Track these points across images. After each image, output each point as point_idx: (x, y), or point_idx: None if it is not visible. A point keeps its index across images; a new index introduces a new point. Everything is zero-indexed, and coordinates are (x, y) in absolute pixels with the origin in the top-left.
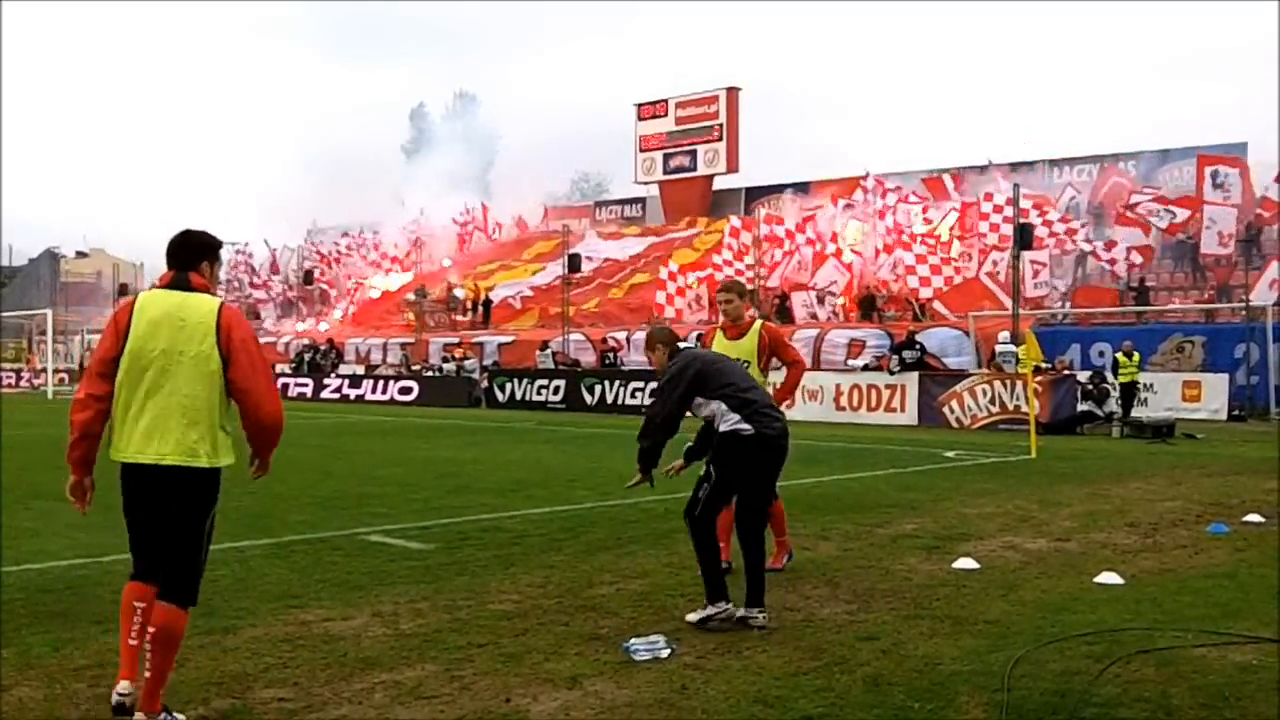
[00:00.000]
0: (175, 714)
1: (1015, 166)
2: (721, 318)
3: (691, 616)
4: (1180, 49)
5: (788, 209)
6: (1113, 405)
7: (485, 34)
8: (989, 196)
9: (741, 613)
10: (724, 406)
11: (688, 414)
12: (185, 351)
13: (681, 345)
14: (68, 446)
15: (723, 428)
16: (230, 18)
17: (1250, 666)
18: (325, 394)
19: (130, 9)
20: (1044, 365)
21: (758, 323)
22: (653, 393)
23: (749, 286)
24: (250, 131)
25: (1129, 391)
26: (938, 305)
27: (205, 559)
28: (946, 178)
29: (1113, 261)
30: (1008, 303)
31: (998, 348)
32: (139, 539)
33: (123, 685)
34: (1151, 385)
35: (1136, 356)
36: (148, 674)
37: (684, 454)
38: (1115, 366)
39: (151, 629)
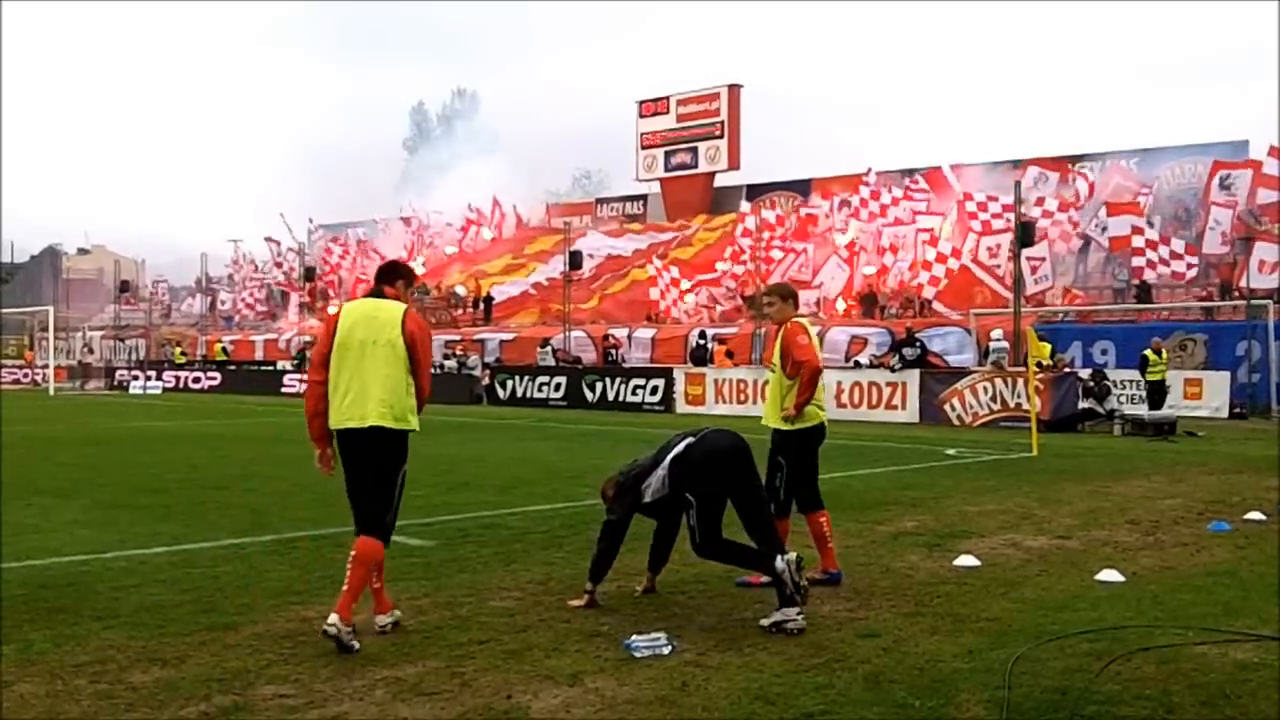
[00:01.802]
0: (391, 615)
1: (1017, 164)
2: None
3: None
4: (1180, 50)
5: (788, 206)
6: (1114, 402)
7: (486, 32)
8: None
9: (775, 617)
10: (666, 453)
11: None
12: (378, 340)
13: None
14: (308, 427)
15: (669, 459)
16: (231, 16)
17: (1251, 664)
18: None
19: (131, 8)
20: (1046, 363)
21: (788, 323)
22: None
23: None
24: (252, 130)
25: (1158, 391)
26: (937, 305)
27: (398, 505)
28: (949, 175)
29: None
30: (1005, 294)
31: (991, 345)
32: (356, 493)
33: (379, 618)
34: None
35: (1166, 355)
36: (345, 587)
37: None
38: (1144, 364)
39: (353, 552)
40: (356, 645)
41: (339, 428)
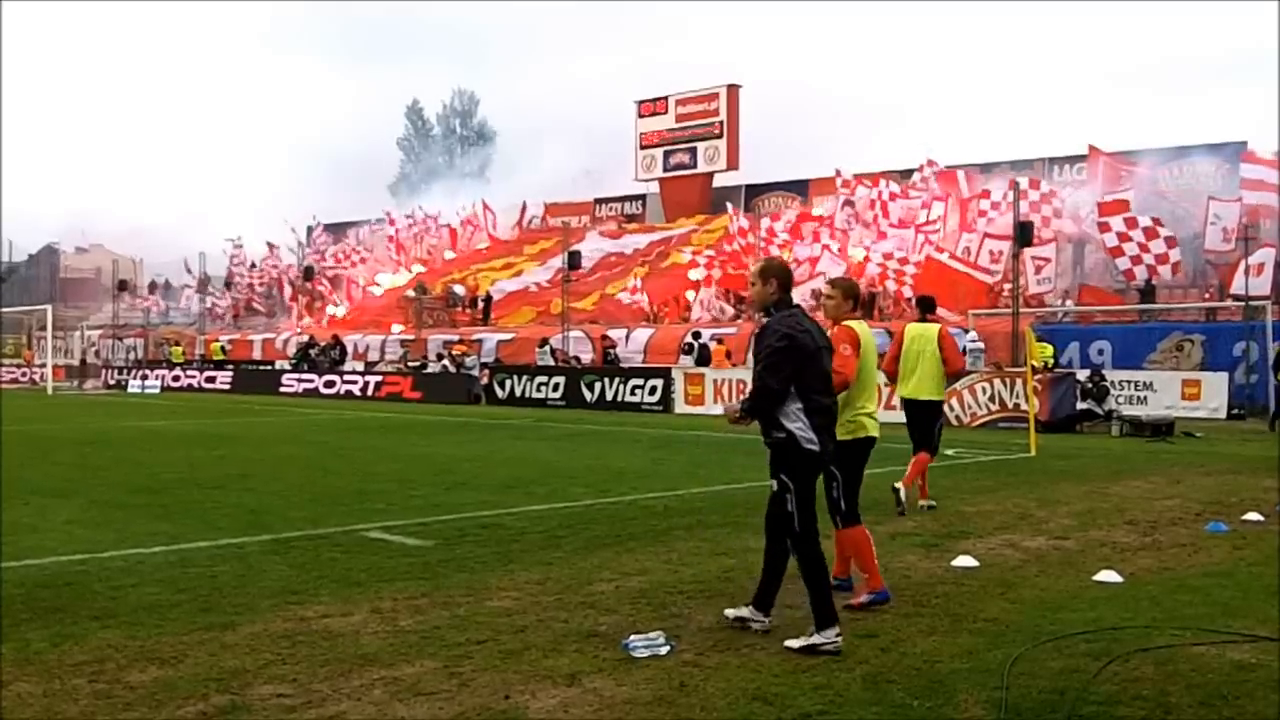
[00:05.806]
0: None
1: (1015, 164)
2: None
3: (792, 643)
4: (1181, 50)
5: (787, 206)
6: (1112, 403)
7: (487, 32)
8: (986, 194)
9: (812, 639)
10: (801, 405)
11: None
12: (925, 350)
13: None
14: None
15: (790, 426)
16: (231, 18)
17: (1248, 665)
18: (325, 390)
19: (131, 8)
20: (1037, 364)
21: (839, 325)
22: (756, 356)
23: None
24: (250, 128)
25: None
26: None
27: (938, 438)
28: (948, 175)
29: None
30: (981, 280)
31: (967, 344)
32: (913, 432)
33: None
34: (1151, 384)
35: None
36: (907, 474)
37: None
38: (1279, 362)
39: (910, 467)
40: (903, 511)
41: (905, 397)
